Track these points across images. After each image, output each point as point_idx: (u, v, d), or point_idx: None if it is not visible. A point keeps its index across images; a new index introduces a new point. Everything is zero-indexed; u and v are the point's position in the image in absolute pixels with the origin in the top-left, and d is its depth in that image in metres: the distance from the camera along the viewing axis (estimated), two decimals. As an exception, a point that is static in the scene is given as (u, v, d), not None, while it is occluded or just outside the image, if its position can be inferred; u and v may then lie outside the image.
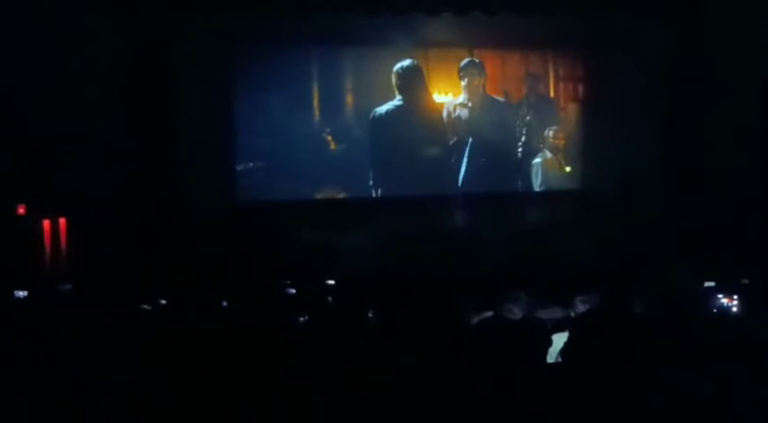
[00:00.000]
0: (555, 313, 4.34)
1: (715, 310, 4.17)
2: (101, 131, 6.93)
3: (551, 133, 8.47)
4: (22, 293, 4.68)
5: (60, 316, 3.60)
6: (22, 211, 6.75)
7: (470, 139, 8.29)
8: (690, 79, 7.89)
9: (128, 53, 7.07)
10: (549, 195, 8.49)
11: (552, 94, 8.63)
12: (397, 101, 8.11)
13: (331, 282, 5.36)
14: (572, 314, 4.17)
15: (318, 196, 8.11)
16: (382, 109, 8.11)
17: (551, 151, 8.49)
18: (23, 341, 3.03)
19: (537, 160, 8.48)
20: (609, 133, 8.13)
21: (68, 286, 5.02)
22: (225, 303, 4.25)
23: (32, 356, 2.83)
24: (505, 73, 8.53)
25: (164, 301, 4.46)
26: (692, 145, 7.91)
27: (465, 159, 8.35)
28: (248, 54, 7.83)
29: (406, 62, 8.13)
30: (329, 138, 8.13)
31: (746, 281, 4.73)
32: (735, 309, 4.19)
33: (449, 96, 8.33)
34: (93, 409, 2.47)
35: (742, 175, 7.42)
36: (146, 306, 4.36)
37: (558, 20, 7.79)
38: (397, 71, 8.09)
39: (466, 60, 8.25)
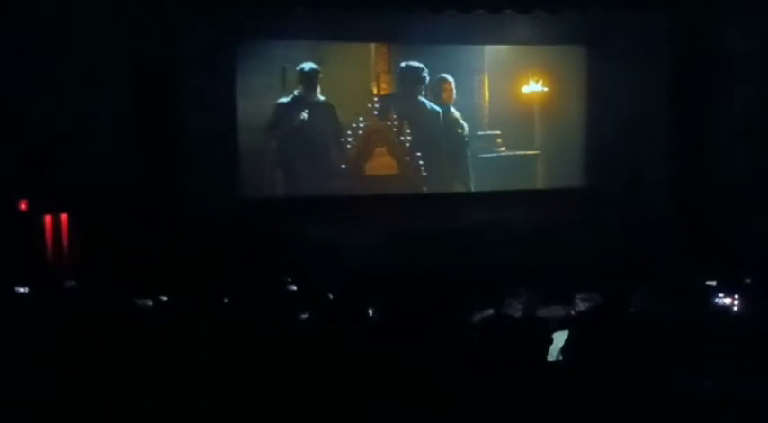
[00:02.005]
0: (556, 311, 4.34)
1: (715, 309, 4.15)
2: (103, 127, 6.93)
3: None
4: (23, 290, 4.67)
5: (63, 312, 3.60)
6: (23, 206, 6.75)
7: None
8: (696, 76, 7.87)
9: (131, 49, 7.06)
10: (552, 193, 8.49)
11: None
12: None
13: (332, 279, 5.35)
14: (573, 312, 4.17)
15: (321, 193, 8.12)
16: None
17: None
18: (25, 338, 3.03)
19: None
20: (614, 130, 8.11)
21: (71, 282, 5.02)
22: (226, 300, 4.26)
23: (34, 353, 2.83)
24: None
25: (165, 298, 4.45)
26: (697, 143, 7.90)
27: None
28: (252, 49, 7.83)
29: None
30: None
31: (749, 280, 4.72)
32: (735, 308, 4.18)
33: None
34: (95, 406, 2.48)
35: (747, 173, 7.41)
36: (147, 302, 4.36)
37: (563, 17, 7.78)
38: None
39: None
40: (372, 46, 8.33)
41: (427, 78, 8.38)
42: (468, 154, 8.55)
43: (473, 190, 8.57)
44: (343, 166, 8.31)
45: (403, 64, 8.33)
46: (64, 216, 6.86)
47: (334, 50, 8.17)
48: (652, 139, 8.04)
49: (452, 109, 8.50)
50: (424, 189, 8.48)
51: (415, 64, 8.33)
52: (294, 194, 8.06)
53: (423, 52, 8.36)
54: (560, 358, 3.38)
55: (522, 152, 8.67)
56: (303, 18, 7.51)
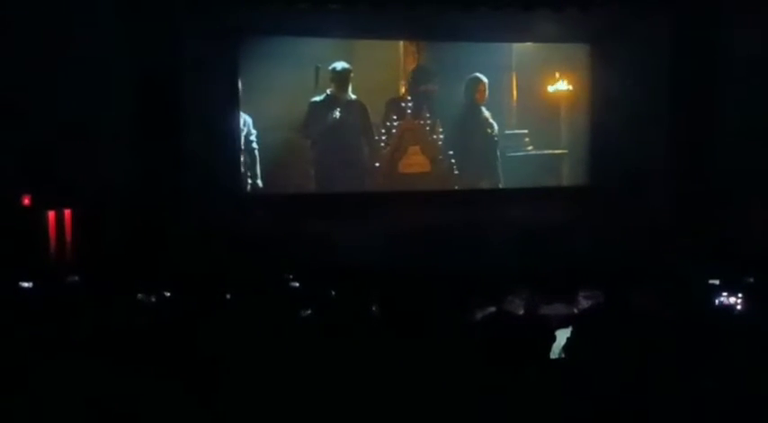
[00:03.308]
0: (558, 309, 4.33)
1: (718, 308, 4.15)
2: (106, 123, 6.94)
3: None
4: (27, 284, 4.69)
5: (67, 308, 3.61)
6: (27, 202, 6.76)
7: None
8: (699, 75, 7.86)
9: (134, 45, 7.06)
10: (555, 191, 8.49)
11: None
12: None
13: (335, 275, 5.35)
14: (575, 310, 4.17)
15: (323, 190, 8.14)
16: None
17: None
18: (28, 333, 3.04)
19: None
20: (617, 129, 8.11)
21: (75, 278, 5.03)
22: (228, 296, 4.26)
23: (36, 348, 2.84)
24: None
25: (167, 294, 4.46)
26: (700, 142, 7.88)
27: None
28: (255, 46, 7.83)
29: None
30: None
31: (751, 279, 4.72)
32: (738, 307, 4.17)
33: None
34: (96, 402, 2.48)
35: (750, 172, 7.40)
36: (150, 298, 4.36)
37: (566, 14, 7.77)
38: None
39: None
40: (401, 44, 8.34)
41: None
42: (498, 153, 8.60)
43: (484, 188, 8.63)
44: (377, 164, 8.32)
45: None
46: (67, 212, 6.88)
47: (363, 49, 8.23)
48: (655, 137, 8.03)
49: (483, 108, 8.53)
50: (456, 187, 8.53)
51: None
52: (298, 190, 8.10)
53: (449, 50, 8.40)
54: (562, 356, 3.38)
55: (550, 151, 8.77)
56: (312, 15, 7.52)
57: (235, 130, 7.78)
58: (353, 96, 8.16)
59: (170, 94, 7.19)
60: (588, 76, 8.53)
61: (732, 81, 7.59)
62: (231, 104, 7.72)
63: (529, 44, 8.58)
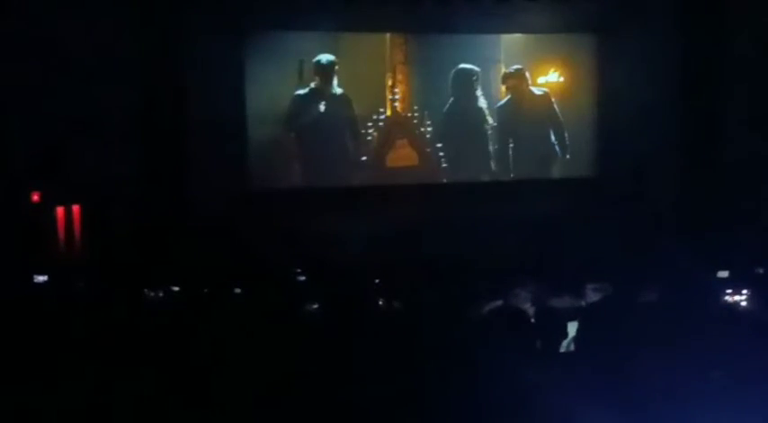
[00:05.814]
0: (566, 302, 4.33)
1: (727, 300, 4.14)
2: (114, 119, 6.96)
3: None
4: (42, 278, 4.72)
5: (75, 303, 3.63)
6: (36, 198, 6.80)
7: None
8: (707, 66, 7.80)
9: (141, 42, 7.08)
10: (562, 183, 8.45)
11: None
12: None
13: (340, 270, 5.37)
14: (584, 303, 4.16)
15: (331, 184, 8.11)
16: None
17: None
18: (37, 328, 3.06)
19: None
20: (623, 120, 8.06)
21: (83, 273, 5.07)
22: (237, 290, 4.28)
23: (46, 343, 2.86)
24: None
25: (176, 288, 4.48)
26: (707, 133, 7.84)
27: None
28: (259, 41, 7.82)
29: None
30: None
31: (761, 270, 4.70)
32: (747, 299, 4.15)
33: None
34: (106, 395, 2.50)
35: (758, 162, 7.35)
36: (159, 293, 4.39)
37: (573, 5, 7.73)
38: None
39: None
40: (387, 37, 8.27)
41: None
42: (491, 146, 8.53)
43: (488, 180, 8.54)
44: (364, 158, 8.28)
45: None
46: (76, 208, 6.91)
47: (349, 42, 8.13)
48: (662, 128, 7.98)
49: (476, 100, 8.44)
50: (444, 180, 8.47)
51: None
52: (307, 185, 8.06)
53: (439, 43, 8.31)
54: (572, 348, 3.38)
55: (542, 143, 8.63)
56: (313, 8, 7.49)
57: (240, 127, 7.76)
58: (339, 90, 8.07)
59: (176, 91, 7.20)
60: (595, 67, 8.46)
61: (741, 73, 7.53)
62: (236, 102, 7.71)
63: (518, 35, 8.47)
